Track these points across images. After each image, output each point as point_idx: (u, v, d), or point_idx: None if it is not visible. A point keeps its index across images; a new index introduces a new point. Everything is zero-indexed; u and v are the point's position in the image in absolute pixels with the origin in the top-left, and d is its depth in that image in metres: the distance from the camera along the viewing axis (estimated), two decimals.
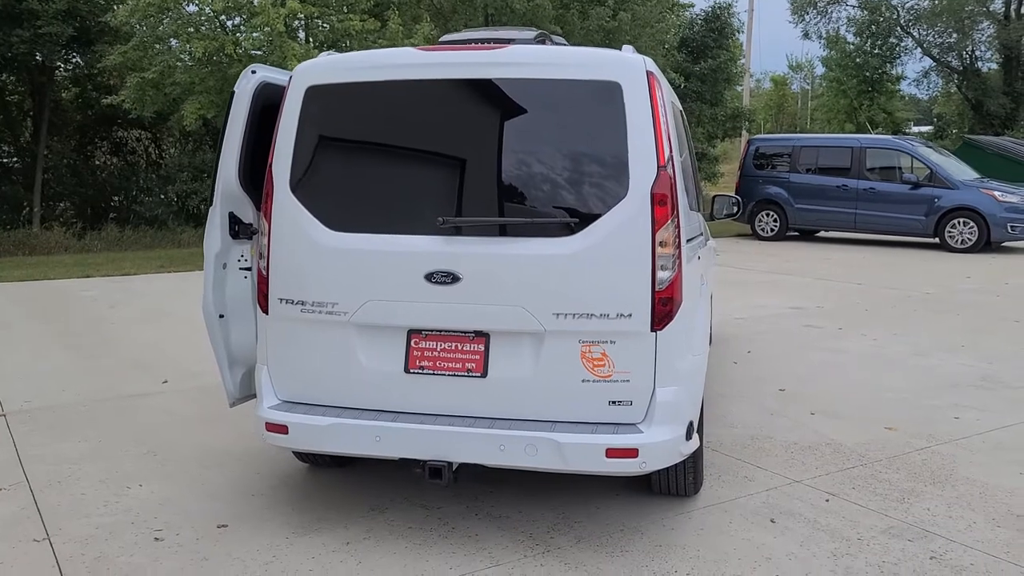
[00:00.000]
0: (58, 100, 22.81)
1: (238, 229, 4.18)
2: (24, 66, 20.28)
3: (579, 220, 3.54)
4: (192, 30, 15.53)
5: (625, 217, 3.52)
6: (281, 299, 3.83)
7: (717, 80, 23.20)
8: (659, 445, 3.55)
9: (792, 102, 57.99)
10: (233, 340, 4.25)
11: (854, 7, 38.51)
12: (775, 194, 16.76)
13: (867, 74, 39.09)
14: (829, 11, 39.25)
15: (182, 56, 15.93)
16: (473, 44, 3.86)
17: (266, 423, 3.81)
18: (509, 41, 3.85)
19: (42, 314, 9.48)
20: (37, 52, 18.84)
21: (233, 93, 4.03)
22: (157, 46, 15.74)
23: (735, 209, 6.52)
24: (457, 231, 3.59)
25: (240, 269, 4.24)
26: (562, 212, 3.58)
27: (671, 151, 3.61)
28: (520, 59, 3.66)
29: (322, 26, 16.97)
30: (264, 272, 3.88)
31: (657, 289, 3.52)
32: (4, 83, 22.51)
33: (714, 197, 6.69)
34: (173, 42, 15.97)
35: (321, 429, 3.70)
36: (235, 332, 4.25)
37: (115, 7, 17.01)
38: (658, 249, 3.52)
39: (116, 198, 22.64)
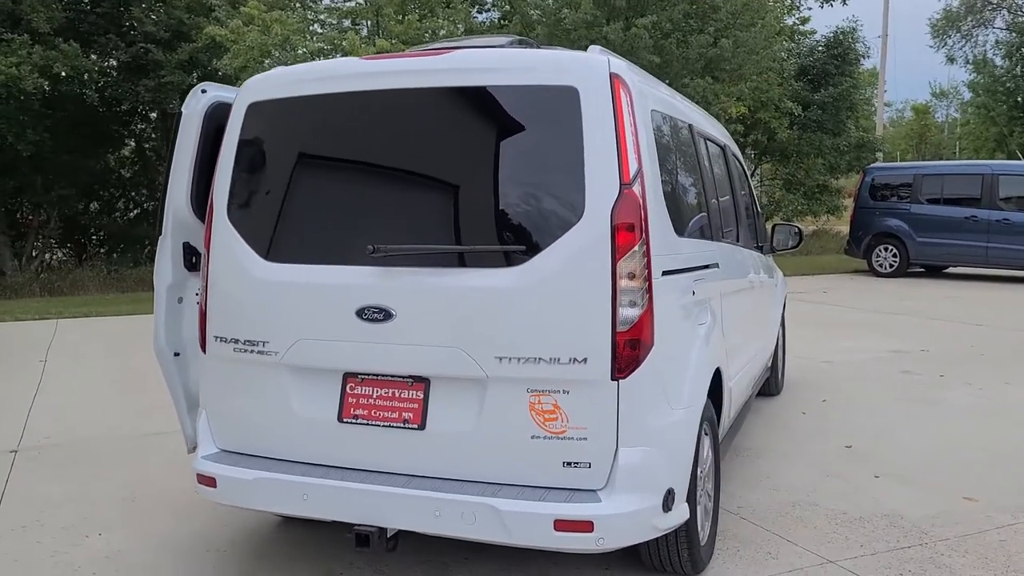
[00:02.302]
0: None
1: (195, 260, 3.89)
2: (160, 113, 21.46)
3: (526, 248, 3.02)
4: None
5: (580, 244, 2.97)
6: (216, 337, 3.49)
7: (839, 108, 21.84)
8: (622, 517, 2.96)
9: (936, 132, 54.61)
10: (192, 380, 3.93)
11: (1002, 29, 36.00)
12: (894, 227, 15.41)
13: (1019, 99, 36.23)
14: (974, 34, 36.83)
15: None
16: (422, 51, 3.44)
17: (197, 474, 3.46)
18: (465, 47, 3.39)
19: (114, 349, 9.63)
20: (163, 100, 19.89)
21: (180, 113, 3.76)
22: None
23: (796, 240, 5.80)
24: (391, 261, 3.14)
25: (198, 303, 3.93)
26: (508, 239, 3.08)
27: (640, 167, 3.04)
28: (464, 64, 3.21)
29: None
30: (203, 306, 3.55)
31: (619, 330, 2.95)
32: (140, 132, 23.94)
33: (774, 227, 5.97)
34: None
35: (247, 484, 3.31)
36: (194, 371, 3.92)
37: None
38: (622, 282, 2.96)
39: None
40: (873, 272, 15.82)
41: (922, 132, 52.95)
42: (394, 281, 3.14)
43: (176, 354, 3.90)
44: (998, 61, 36.84)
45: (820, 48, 22.51)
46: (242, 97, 3.53)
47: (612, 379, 2.96)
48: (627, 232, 2.97)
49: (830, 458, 5.19)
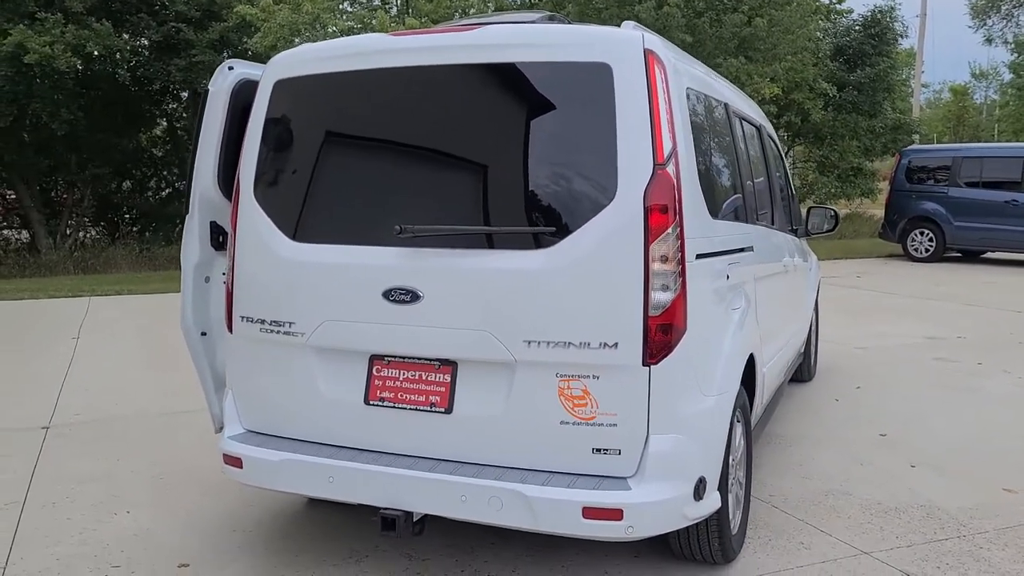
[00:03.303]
0: None
1: (222, 240, 3.86)
2: (191, 92, 21.53)
3: (556, 229, 2.95)
4: None
5: (612, 226, 2.90)
6: (243, 317, 3.46)
7: (876, 90, 21.39)
8: (652, 506, 2.90)
9: (974, 114, 53.44)
10: (219, 360, 3.92)
11: None
12: (931, 211, 15.10)
13: None
14: (1015, 14, 35.93)
15: None
16: (449, 27, 3.36)
17: (224, 455, 3.44)
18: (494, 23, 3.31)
19: (147, 327, 9.70)
20: (194, 80, 19.94)
21: (207, 91, 3.72)
22: None
23: (833, 223, 5.67)
24: (419, 242, 3.09)
25: (224, 283, 3.91)
26: (538, 220, 3.00)
27: (675, 147, 2.95)
28: (494, 40, 3.13)
29: None
30: (229, 286, 3.53)
31: (651, 314, 2.88)
32: (172, 111, 24.06)
33: (809, 209, 5.84)
34: None
35: (273, 465, 3.29)
36: (221, 351, 3.91)
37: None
38: (654, 265, 2.88)
39: None
40: (908, 257, 15.53)
41: (960, 114, 51.82)
42: (422, 262, 3.08)
43: (203, 333, 3.89)
44: None
45: (857, 27, 22.03)
46: (269, 74, 3.49)
47: (643, 365, 2.89)
48: (660, 214, 2.89)
49: (864, 446, 5.08)
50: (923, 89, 39.17)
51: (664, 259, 2.89)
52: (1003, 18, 36.02)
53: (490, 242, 3.05)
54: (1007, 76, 43.59)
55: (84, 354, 8.00)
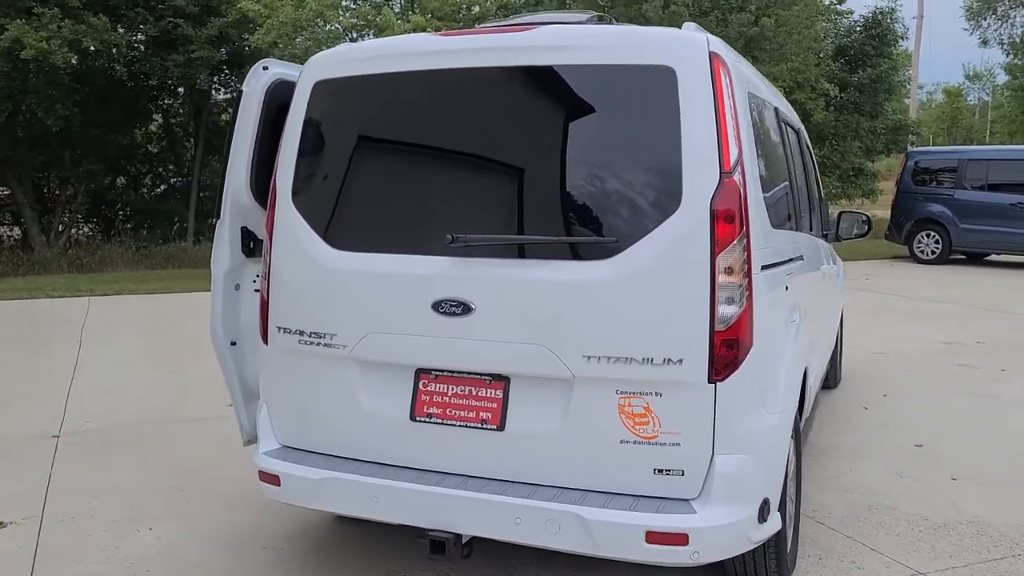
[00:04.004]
0: (216, 122, 23.91)
1: (253, 246, 3.71)
2: (187, 88, 21.29)
3: (618, 240, 2.81)
4: (325, 48, 15.68)
5: (677, 236, 2.76)
6: (279, 328, 3.31)
7: (877, 91, 21.31)
8: (718, 530, 2.77)
9: (968, 115, 53.61)
10: (249, 370, 3.77)
11: None
12: (937, 213, 15.03)
13: None
14: (1011, 15, 35.99)
15: None
16: (500, 27, 3.22)
17: (259, 471, 3.30)
18: (547, 23, 3.16)
19: (150, 328, 9.54)
20: (192, 76, 19.68)
21: (241, 92, 3.57)
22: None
23: (865, 228, 5.55)
24: (470, 252, 2.94)
25: (256, 291, 3.76)
26: (598, 229, 2.87)
27: (741, 154, 2.82)
28: (548, 42, 2.98)
29: None
30: (265, 295, 3.38)
31: (717, 328, 2.74)
32: (168, 107, 23.80)
33: (840, 214, 5.72)
34: None
35: (314, 484, 3.14)
36: (250, 361, 3.77)
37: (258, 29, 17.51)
38: (720, 277, 2.75)
39: None
40: (914, 258, 15.47)
41: (954, 115, 52.01)
42: (474, 273, 2.94)
43: (233, 343, 3.74)
44: None
45: (858, 28, 21.97)
46: (307, 75, 3.34)
47: (709, 382, 2.76)
48: (727, 224, 2.76)
49: (900, 457, 4.97)
50: (918, 90, 39.19)
51: (730, 271, 2.76)
52: (998, 19, 36.09)
53: (547, 253, 2.91)
54: (1001, 78, 43.73)
55: (89, 357, 7.83)
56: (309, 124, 3.29)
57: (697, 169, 2.77)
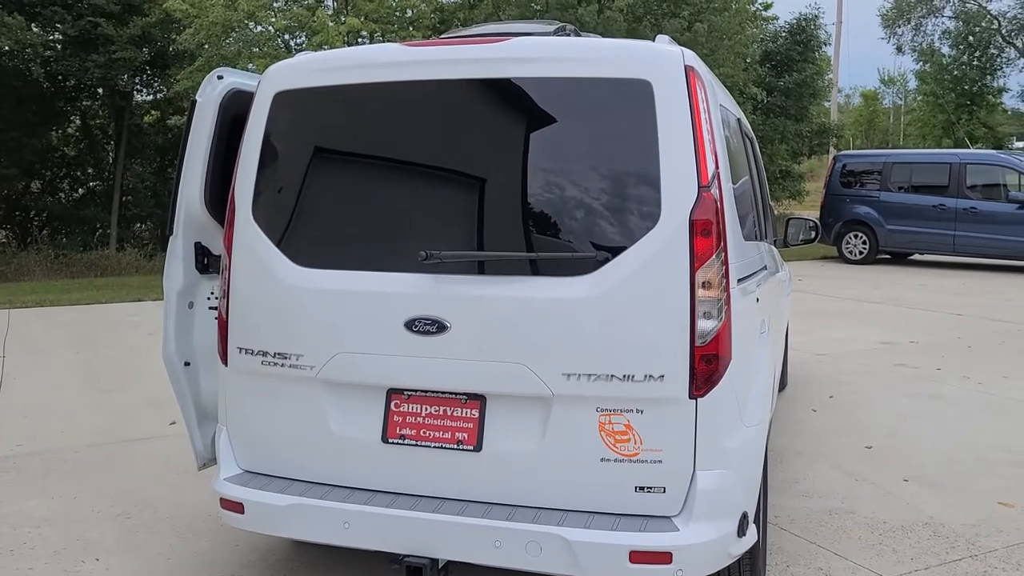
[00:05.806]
0: (139, 124, 23.17)
1: (207, 262, 3.56)
2: (108, 90, 20.54)
3: (596, 255, 2.76)
4: (256, 49, 15.33)
5: (655, 251, 2.73)
6: (240, 348, 3.17)
7: (802, 95, 21.95)
8: (701, 547, 2.74)
9: (883, 118, 55.57)
10: (203, 391, 3.62)
11: (950, 18, 36.65)
12: (864, 214, 15.51)
13: (965, 87, 36.99)
14: (923, 24, 37.45)
15: None
16: (471, 38, 3.14)
17: (221, 499, 3.15)
18: (519, 35, 3.10)
19: (79, 341, 9.14)
20: (113, 77, 19.01)
21: (195, 103, 3.41)
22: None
23: (812, 234, 5.63)
24: (445, 268, 2.86)
25: (210, 308, 3.61)
26: (575, 245, 2.82)
27: (717, 167, 2.81)
28: (524, 54, 2.92)
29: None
30: (224, 314, 3.23)
31: (698, 343, 2.72)
32: (86, 109, 22.96)
33: (788, 220, 5.79)
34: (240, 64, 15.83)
35: (280, 510, 3.00)
36: (205, 382, 3.61)
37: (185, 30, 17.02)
38: (700, 292, 2.72)
39: None
40: (843, 259, 15.92)
41: (870, 118, 53.85)
42: (448, 290, 2.86)
43: (187, 363, 3.58)
44: (945, 50, 37.57)
45: (784, 34, 22.57)
46: (266, 86, 3.20)
47: (690, 397, 2.73)
48: (705, 238, 2.74)
49: (853, 459, 5.06)
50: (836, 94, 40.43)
51: (708, 285, 2.74)
52: (913, 29, 37.51)
53: (524, 269, 2.85)
54: (913, 83, 45.46)
55: (15, 374, 7.45)
56: (270, 136, 3.15)
57: (675, 184, 2.74)
